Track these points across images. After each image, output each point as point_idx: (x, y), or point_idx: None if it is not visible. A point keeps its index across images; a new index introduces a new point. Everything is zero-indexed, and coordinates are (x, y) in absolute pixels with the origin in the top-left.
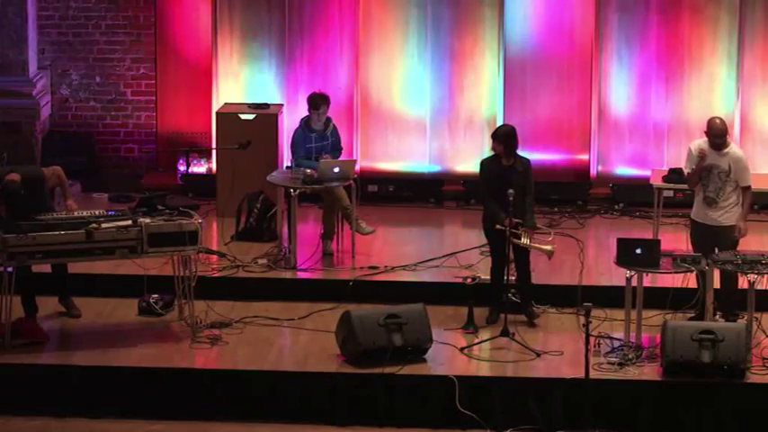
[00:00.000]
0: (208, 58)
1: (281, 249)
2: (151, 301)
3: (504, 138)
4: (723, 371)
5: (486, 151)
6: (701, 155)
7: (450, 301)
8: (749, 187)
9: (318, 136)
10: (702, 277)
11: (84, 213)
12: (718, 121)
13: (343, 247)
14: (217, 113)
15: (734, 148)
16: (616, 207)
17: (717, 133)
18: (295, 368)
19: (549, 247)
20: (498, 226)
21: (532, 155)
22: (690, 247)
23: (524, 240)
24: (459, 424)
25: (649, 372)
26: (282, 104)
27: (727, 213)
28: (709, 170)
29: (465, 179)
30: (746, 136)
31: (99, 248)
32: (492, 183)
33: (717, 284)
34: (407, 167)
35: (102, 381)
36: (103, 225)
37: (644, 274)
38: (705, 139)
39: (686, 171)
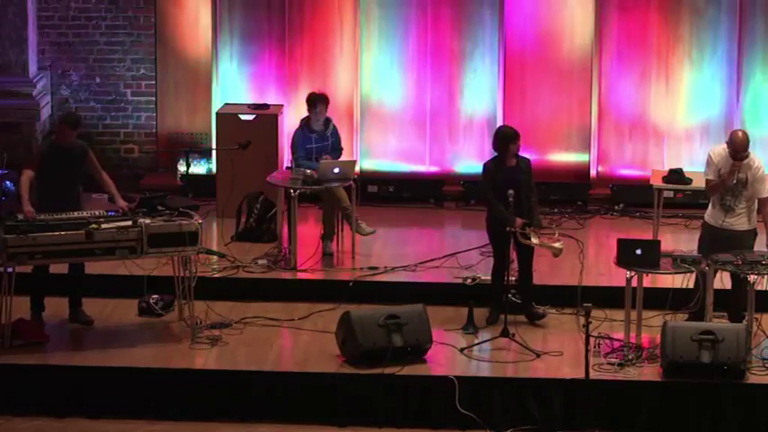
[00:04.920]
0: (208, 58)
1: (281, 250)
2: (151, 301)
3: (518, 136)
4: (723, 371)
5: (487, 152)
6: (735, 168)
7: (450, 301)
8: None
9: (318, 136)
10: (702, 278)
11: (84, 213)
12: (740, 134)
13: (343, 248)
14: (217, 113)
15: (752, 157)
16: (616, 207)
17: (739, 148)
18: (295, 368)
19: (558, 245)
20: (509, 228)
21: (532, 155)
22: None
23: (534, 240)
24: (458, 424)
25: (649, 372)
26: (282, 104)
27: (743, 218)
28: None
29: (464, 180)
30: None
31: (99, 249)
32: (498, 185)
33: (719, 286)
34: (407, 168)
35: (102, 381)
36: (103, 225)
37: (644, 275)
38: (724, 145)
39: (707, 178)
